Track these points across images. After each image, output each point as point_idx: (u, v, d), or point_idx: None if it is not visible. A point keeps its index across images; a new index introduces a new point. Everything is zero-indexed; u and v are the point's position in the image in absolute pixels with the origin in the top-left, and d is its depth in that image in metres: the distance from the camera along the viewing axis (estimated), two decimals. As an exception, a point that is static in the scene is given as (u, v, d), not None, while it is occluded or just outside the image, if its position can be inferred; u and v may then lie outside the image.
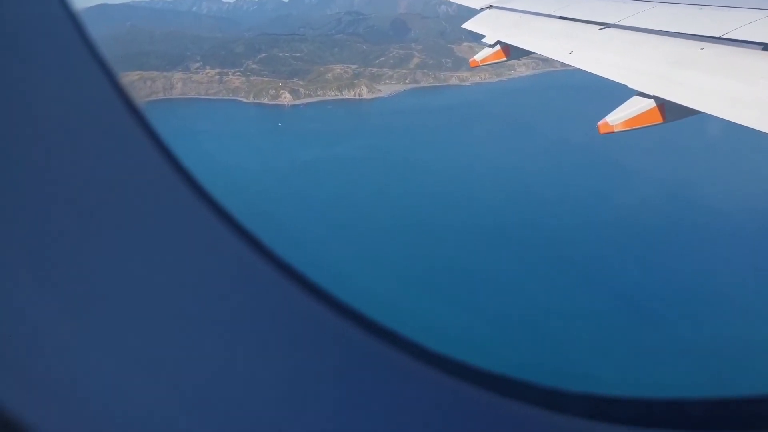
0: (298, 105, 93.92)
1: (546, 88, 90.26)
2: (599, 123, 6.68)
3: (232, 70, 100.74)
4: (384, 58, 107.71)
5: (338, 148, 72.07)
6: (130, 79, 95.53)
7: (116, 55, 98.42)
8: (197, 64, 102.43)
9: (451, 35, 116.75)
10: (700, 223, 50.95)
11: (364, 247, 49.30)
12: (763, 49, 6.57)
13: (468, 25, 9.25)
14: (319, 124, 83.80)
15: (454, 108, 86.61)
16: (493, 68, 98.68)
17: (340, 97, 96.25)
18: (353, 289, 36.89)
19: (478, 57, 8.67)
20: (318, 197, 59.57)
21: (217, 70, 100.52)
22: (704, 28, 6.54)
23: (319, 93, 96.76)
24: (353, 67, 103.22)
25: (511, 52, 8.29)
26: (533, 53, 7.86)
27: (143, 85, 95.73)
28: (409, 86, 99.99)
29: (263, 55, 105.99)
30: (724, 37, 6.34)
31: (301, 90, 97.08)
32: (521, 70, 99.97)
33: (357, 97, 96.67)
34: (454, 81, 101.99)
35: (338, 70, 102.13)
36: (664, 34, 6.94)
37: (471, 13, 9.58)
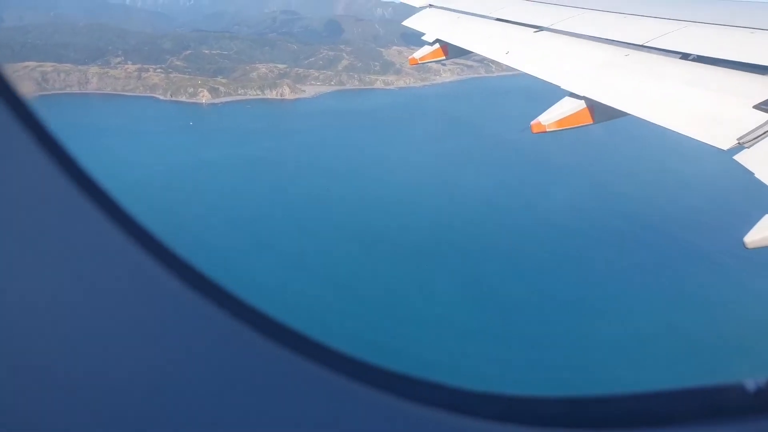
0: (216, 104, 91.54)
1: (473, 92, 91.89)
2: (532, 123, 6.87)
3: (153, 66, 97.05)
4: (313, 58, 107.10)
5: (243, 148, 71.32)
6: (43, 70, 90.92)
7: (33, 45, 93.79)
8: (118, 59, 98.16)
9: (384, 39, 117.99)
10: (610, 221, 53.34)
11: (248, 245, 48.89)
12: (681, 58, 7.07)
13: (408, 23, 9.38)
14: (232, 123, 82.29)
15: (371, 111, 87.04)
16: (419, 73, 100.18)
17: (261, 96, 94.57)
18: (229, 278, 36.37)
19: (417, 55, 8.80)
20: (209, 197, 58.97)
21: (138, 66, 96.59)
22: (629, 36, 6.91)
23: (240, 92, 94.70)
24: (281, 66, 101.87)
25: (449, 50, 8.49)
26: (471, 53, 8.07)
27: (56, 78, 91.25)
28: (334, 88, 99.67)
29: (189, 52, 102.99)
30: (646, 45, 6.75)
31: (222, 88, 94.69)
32: (446, 75, 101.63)
33: (279, 97, 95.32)
34: (379, 84, 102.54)
35: (263, 69, 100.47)
36: (594, 40, 7.26)
37: (409, 14, 9.72)
